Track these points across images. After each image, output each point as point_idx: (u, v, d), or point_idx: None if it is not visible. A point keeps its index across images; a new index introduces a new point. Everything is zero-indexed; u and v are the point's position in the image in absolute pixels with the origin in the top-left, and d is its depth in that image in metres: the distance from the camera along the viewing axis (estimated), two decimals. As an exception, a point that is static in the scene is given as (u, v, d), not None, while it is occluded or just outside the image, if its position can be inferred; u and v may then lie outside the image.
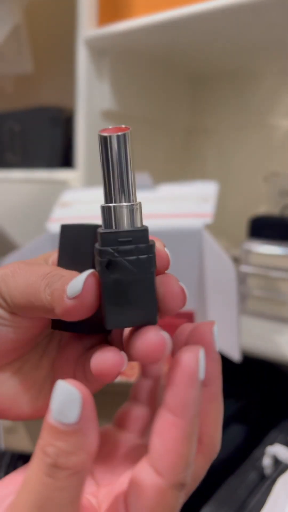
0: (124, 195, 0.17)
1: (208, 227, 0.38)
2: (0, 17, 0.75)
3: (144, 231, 0.17)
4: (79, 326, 0.20)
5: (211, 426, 0.19)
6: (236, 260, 0.55)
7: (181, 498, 0.17)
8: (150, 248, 0.17)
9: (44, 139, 0.75)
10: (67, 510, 0.15)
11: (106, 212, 0.18)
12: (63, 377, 0.21)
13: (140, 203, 0.18)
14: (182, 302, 0.18)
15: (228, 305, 0.38)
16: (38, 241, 0.42)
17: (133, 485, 0.17)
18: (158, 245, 0.19)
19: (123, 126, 0.18)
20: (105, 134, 0.17)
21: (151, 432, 0.17)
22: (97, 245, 0.18)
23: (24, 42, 0.80)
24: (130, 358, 0.18)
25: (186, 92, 0.81)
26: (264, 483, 0.41)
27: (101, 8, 0.62)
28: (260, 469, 0.43)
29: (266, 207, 0.71)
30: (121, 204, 0.17)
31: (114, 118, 0.68)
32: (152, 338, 0.17)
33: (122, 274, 0.17)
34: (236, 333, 0.39)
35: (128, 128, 0.18)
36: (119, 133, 0.17)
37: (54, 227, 0.41)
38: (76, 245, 0.20)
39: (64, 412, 0.15)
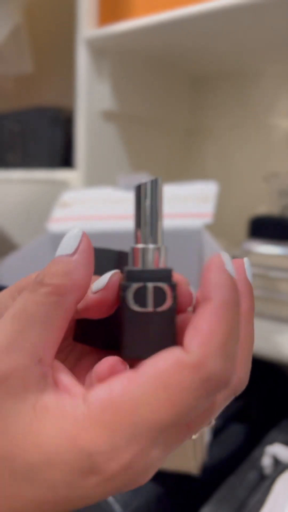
0: (152, 238, 0.19)
1: (208, 227, 0.38)
2: (0, 17, 0.75)
3: (168, 271, 0.19)
4: (97, 340, 0.22)
5: (240, 353, 0.18)
6: (236, 260, 0.55)
7: (200, 393, 0.15)
8: (172, 286, 0.19)
9: (44, 139, 0.75)
10: (38, 328, 0.16)
11: (134, 252, 0.19)
12: None
13: (165, 247, 0.20)
14: None
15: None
16: (38, 241, 0.42)
17: (155, 357, 0.16)
18: (183, 282, 0.20)
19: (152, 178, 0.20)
20: (139, 183, 0.19)
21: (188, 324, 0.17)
22: (122, 281, 0.19)
23: (24, 42, 0.80)
24: None
25: (186, 92, 0.81)
26: (264, 483, 0.41)
27: (101, 8, 0.62)
28: (260, 469, 0.43)
29: (266, 207, 0.71)
30: (148, 246, 0.19)
31: (114, 119, 0.68)
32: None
33: (144, 308, 0.19)
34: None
35: (156, 178, 0.20)
36: (152, 179, 0.19)
37: (54, 227, 0.41)
38: (99, 267, 0.22)
39: (64, 246, 0.18)
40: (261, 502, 0.38)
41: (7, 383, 0.16)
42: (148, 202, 0.19)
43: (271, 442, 0.46)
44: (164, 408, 0.15)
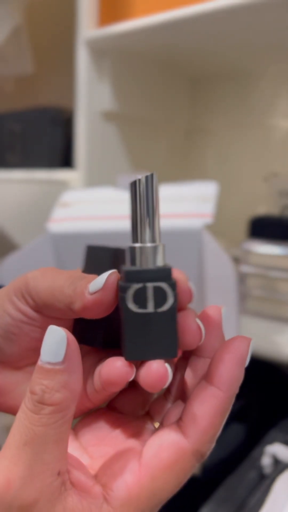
0: (149, 237, 0.19)
1: (208, 227, 0.39)
2: (1, 17, 0.75)
3: (167, 270, 0.19)
4: (96, 340, 0.21)
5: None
6: (236, 260, 0.55)
7: (194, 468, 0.18)
8: (172, 285, 0.18)
9: (44, 140, 0.75)
10: (52, 447, 0.16)
11: (132, 251, 0.19)
12: None
13: (163, 245, 0.19)
14: (198, 339, 0.19)
15: (228, 305, 0.38)
16: (38, 241, 0.42)
17: (154, 442, 0.18)
18: (182, 279, 0.20)
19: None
20: (134, 179, 0.19)
21: (188, 401, 0.19)
22: (121, 282, 0.19)
23: (25, 42, 0.80)
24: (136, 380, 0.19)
25: (186, 93, 0.82)
26: (263, 482, 0.41)
27: (101, 9, 0.62)
28: (260, 468, 0.43)
29: (266, 207, 0.72)
30: (146, 245, 0.19)
31: (114, 119, 0.69)
32: (155, 368, 0.18)
33: (144, 309, 0.18)
34: (235, 333, 0.39)
35: (151, 174, 0.19)
36: (146, 175, 0.19)
37: (54, 227, 0.42)
38: (98, 264, 0.22)
39: (51, 353, 0.17)
40: (261, 501, 0.39)
41: (38, 506, 0.16)
42: (144, 199, 0.19)
43: (271, 441, 0.46)
44: (173, 488, 0.18)
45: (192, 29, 0.57)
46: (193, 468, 0.18)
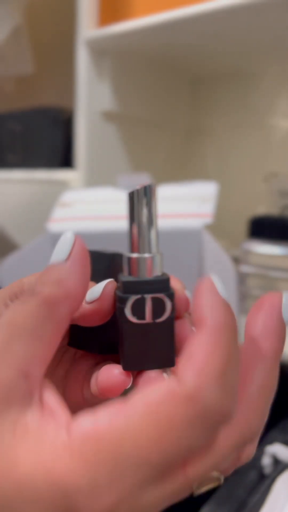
0: (147, 247, 0.19)
1: (208, 227, 0.38)
2: (1, 17, 0.75)
3: (165, 280, 0.19)
4: (93, 345, 0.21)
5: (255, 398, 0.16)
6: (236, 260, 0.55)
7: (195, 437, 0.14)
8: (170, 296, 0.18)
9: (44, 140, 0.75)
10: (26, 341, 0.15)
11: (130, 261, 0.19)
12: (73, 387, 0.21)
13: (161, 254, 0.19)
14: None
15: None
16: (38, 241, 0.42)
17: (146, 388, 0.14)
18: (179, 288, 0.20)
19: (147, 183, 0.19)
20: (131, 190, 0.19)
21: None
22: (118, 292, 0.19)
23: (25, 42, 0.80)
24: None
25: (186, 93, 0.81)
26: (263, 483, 0.41)
27: (102, 9, 0.62)
28: (260, 469, 0.43)
29: (266, 207, 0.72)
30: (143, 255, 0.19)
31: (115, 119, 0.68)
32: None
33: (142, 319, 0.18)
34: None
35: (150, 183, 0.19)
36: (145, 185, 0.18)
37: (54, 227, 0.42)
38: (96, 270, 0.22)
39: (57, 252, 0.16)
40: (261, 502, 0.39)
41: None
42: (142, 210, 0.18)
43: (271, 441, 0.46)
44: (151, 444, 0.13)
45: (192, 29, 0.57)
46: (189, 426, 0.13)
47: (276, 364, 0.16)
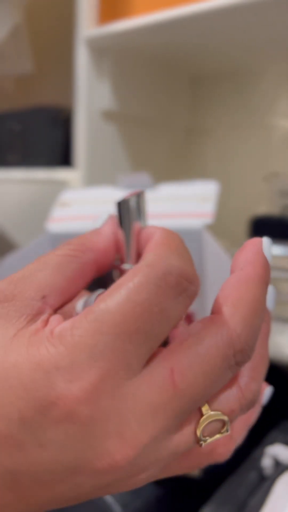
0: (134, 258, 0.19)
1: (208, 227, 0.38)
2: (0, 16, 0.74)
3: None
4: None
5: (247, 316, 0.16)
6: (236, 260, 0.54)
7: (162, 299, 0.14)
8: None
9: (44, 139, 0.75)
10: (50, 270, 0.17)
11: (122, 273, 0.19)
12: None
13: None
14: None
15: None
16: (38, 241, 0.42)
17: None
18: None
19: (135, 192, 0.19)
20: (120, 200, 0.19)
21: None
22: None
23: (24, 41, 0.80)
24: None
25: (186, 92, 0.81)
26: (264, 484, 0.41)
27: (101, 7, 0.62)
28: (260, 469, 0.43)
29: (266, 207, 0.71)
30: (132, 266, 0.19)
31: (114, 118, 0.68)
32: None
33: None
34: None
35: (140, 192, 0.19)
36: (135, 195, 0.18)
37: (53, 227, 0.41)
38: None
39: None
40: (261, 503, 0.38)
41: (6, 305, 0.15)
42: (132, 220, 0.18)
43: (271, 442, 0.46)
44: (126, 318, 0.14)
45: (193, 28, 0.56)
46: (157, 289, 0.14)
47: (262, 290, 0.16)
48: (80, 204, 0.45)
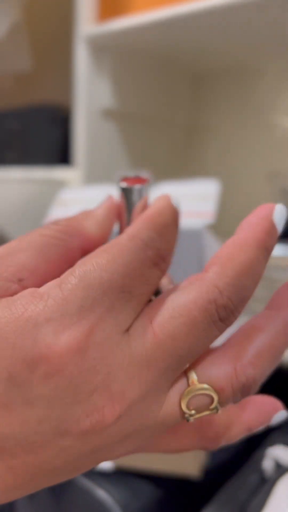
0: None
1: (209, 226, 0.38)
2: (-1, 14, 0.74)
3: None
4: None
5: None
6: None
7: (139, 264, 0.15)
8: (156, 294, 0.19)
9: (43, 138, 0.75)
10: (31, 252, 0.16)
11: None
12: None
13: None
14: None
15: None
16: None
17: None
18: (164, 284, 0.20)
19: (143, 176, 0.19)
20: (124, 185, 0.18)
21: None
22: None
23: (23, 39, 0.79)
24: None
25: (187, 90, 0.81)
26: (264, 485, 0.41)
27: (101, 4, 0.61)
28: (261, 471, 0.42)
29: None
30: None
31: (114, 117, 0.68)
32: None
33: None
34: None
35: (146, 180, 0.18)
36: (136, 187, 0.18)
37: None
38: None
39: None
40: (262, 505, 0.38)
41: None
42: (134, 208, 0.18)
43: (272, 444, 0.45)
44: (113, 269, 0.14)
45: (194, 26, 0.56)
46: (134, 253, 0.15)
47: (258, 254, 0.16)
48: (79, 203, 0.45)
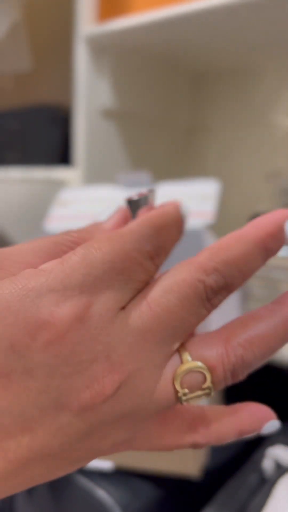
0: None
1: (209, 226, 0.38)
2: (-1, 14, 0.74)
3: None
4: None
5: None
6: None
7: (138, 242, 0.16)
8: None
9: (43, 138, 0.75)
10: (41, 253, 0.17)
11: None
12: None
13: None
14: None
15: (229, 305, 0.37)
16: (37, 240, 0.41)
17: None
18: None
19: (145, 191, 0.20)
20: (128, 198, 0.19)
21: None
22: None
23: (23, 39, 0.79)
24: None
25: (187, 90, 0.81)
26: (264, 486, 0.41)
27: (101, 4, 0.61)
28: (261, 471, 0.42)
29: (268, 206, 0.71)
30: None
31: (114, 117, 0.68)
32: None
33: None
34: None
35: (147, 193, 0.19)
36: (141, 196, 0.19)
37: (52, 226, 0.41)
38: None
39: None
40: (262, 505, 0.38)
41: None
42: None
43: (272, 444, 0.45)
44: (110, 250, 0.15)
45: (194, 26, 0.56)
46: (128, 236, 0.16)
47: (255, 250, 0.17)
48: (79, 203, 0.45)
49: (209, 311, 0.16)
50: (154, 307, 0.15)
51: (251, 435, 0.19)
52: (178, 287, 0.15)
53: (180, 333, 0.16)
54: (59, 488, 0.45)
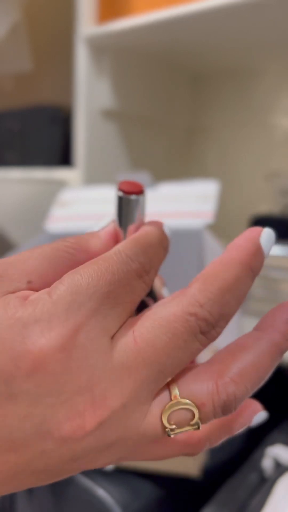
0: None
1: (209, 226, 0.38)
2: (-1, 14, 0.74)
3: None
4: None
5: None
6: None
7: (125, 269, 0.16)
8: (154, 299, 0.19)
9: (43, 138, 0.75)
10: (42, 259, 0.17)
11: None
12: None
13: None
14: None
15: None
16: (37, 240, 0.41)
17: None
18: (157, 286, 0.20)
19: (139, 181, 0.19)
20: (120, 194, 0.19)
21: None
22: None
23: (23, 40, 0.79)
24: None
25: (187, 91, 0.81)
26: (264, 485, 0.41)
27: (101, 5, 0.61)
28: (260, 471, 0.42)
29: (267, 207, 0.71)
30: None
31: (114, 117, 0.68)
32: None
33: None
34: (236, 333, 0.39)
35: (142, 189, 0.19)
36: (132, 197, 0.19)
37: (52, 227, 0.41)
38: None
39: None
40: (262, 504, 0.38)
41: None
42: (131, 218, 0.19)
43: (272, 443, 0.45)
44: (98, 275, 0.15)
45: (193, 27, 0.56)
46: (119, 263, 0.16)
47: (242, 273, 0.16)
48: (80, 204, 0.45)
49: (204, 345, 0.16)
50: (140, 342, 0.15)
51: (241, 430, 0.19)
52: (167, 323, 0.15)
53: (169, 370, 0.15)
54: (60, 488, 0.45)
